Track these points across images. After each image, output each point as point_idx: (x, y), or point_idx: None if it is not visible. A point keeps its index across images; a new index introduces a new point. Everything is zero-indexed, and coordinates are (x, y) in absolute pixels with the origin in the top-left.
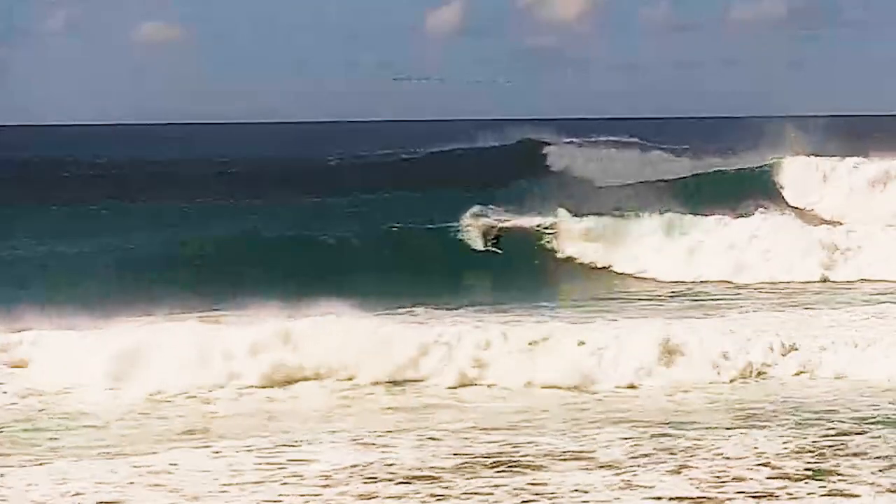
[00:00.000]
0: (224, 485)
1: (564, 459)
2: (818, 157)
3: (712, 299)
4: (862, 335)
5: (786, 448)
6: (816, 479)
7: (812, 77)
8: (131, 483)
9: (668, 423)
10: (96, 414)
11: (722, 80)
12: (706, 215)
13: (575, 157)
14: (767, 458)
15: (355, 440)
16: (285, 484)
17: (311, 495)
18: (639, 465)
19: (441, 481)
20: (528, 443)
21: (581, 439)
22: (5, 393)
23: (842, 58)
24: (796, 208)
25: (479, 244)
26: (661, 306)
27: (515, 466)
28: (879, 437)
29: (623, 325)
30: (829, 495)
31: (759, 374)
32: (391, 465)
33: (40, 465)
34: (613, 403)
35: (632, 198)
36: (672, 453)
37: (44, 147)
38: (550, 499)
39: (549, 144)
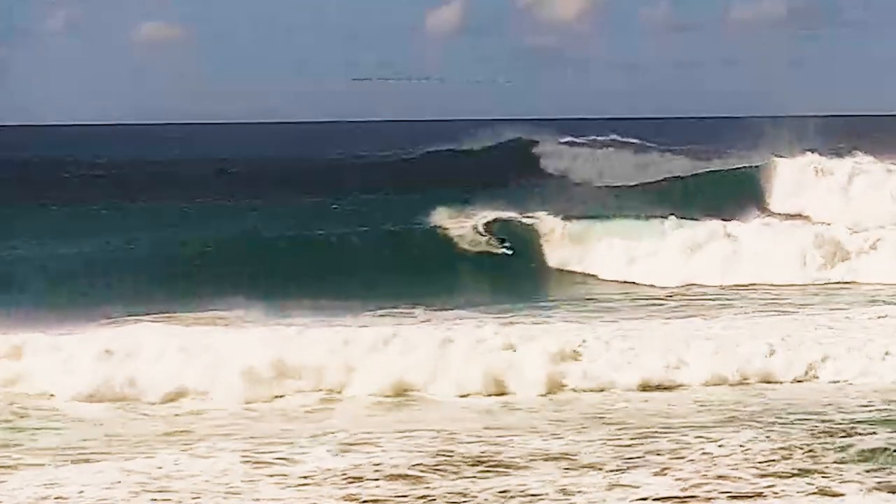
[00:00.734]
0: (210, 486)
1: (548, 460)
2: (817, 157)
3: (707, 300)
4: (853, 336)
5: (773, 447)
6: (803, 478)
7: (812, 77)
8: (118, 482)
9: (654, 425)
10: (82, 416)
11: (722, 80)
12: (702, 217)
13: (568, 156)
14: (755, 457)
15: (341, 441)
16: (270, 485)
17: (296, 497)
18: (625, 466)
19: (426, 482)
20: (513, 444)
21: (565, 440)
22: None
23: (842, 58)
24: (792, 210)
25: (477, 245)
26: (656, 308)
27: (500, 467)
28: (867, 436)
29: (620, 326)
30: (816, 494)
31: (749, 375)
32: (378, 464)
33: (26, 467)
34: (599, 404)
35: (626, 198)
36: (658, 454)
37: (44, 147)
38: (535, 500)
39: (539, 144)
